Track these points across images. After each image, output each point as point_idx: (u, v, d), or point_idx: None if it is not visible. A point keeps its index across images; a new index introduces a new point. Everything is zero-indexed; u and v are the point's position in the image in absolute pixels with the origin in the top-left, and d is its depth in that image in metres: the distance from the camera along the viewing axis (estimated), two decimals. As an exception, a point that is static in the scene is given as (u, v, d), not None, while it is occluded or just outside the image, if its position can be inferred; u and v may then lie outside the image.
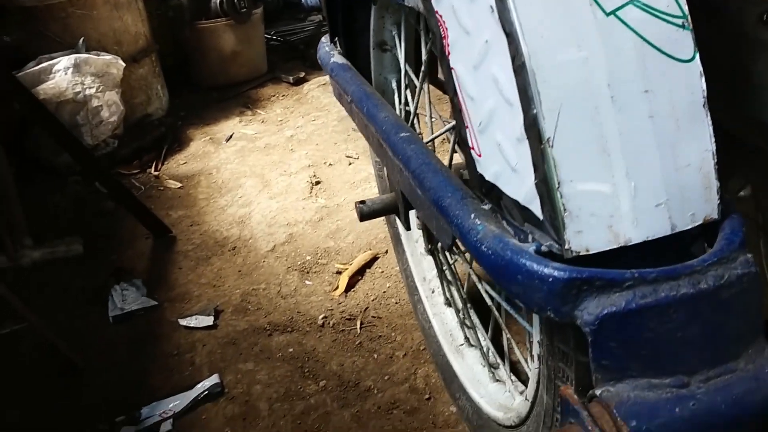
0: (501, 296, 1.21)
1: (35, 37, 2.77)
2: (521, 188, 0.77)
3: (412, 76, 1.39)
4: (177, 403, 1.63)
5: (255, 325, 1.86)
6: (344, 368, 1.68)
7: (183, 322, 1.89)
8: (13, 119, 2.56)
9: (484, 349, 1.41)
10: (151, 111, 3.11)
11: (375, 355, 1.71)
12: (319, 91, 3.39)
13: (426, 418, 1.52)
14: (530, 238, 0.79)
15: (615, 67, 0.73)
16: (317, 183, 2.55)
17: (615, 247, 0.74)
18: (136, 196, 2.30)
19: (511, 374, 1.35)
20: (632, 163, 0.73)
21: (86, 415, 1.63)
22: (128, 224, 2.37)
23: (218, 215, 2.44)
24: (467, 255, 1.32)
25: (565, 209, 0.72)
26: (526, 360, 1.20)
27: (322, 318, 1.85)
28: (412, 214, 1.38)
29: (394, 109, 1.53)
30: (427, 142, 1.18)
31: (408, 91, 1.42)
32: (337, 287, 1.98)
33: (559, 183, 0.72)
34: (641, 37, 0.74)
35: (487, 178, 0.83)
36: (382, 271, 2.02)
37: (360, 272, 2.03)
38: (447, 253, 1.40)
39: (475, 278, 1.21)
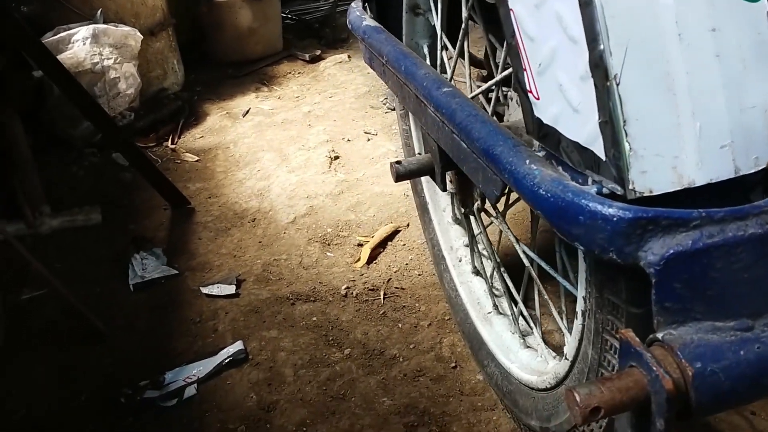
0: (538, 255, 1.20)
1: (53, 7, 2.75)
2: (583, 129, 0.76)
3: (447, 42, 1.37)
4: (201, 368, 1.62)
5: (277, 295, 1.85)
6: (369, 337, 1.67)
7: (205, 290, 1.88)
8: (29, 89, 2.54)
9: (515, 314, 1.40)
10: (167, 85, 3.09)
11: (399, 325, 1.70)
12: (335, 68, 3.37)
13: (452, 385, 1.51)
14: (590, 180, 0.78)
15: (682, 3, 0.71)
16: (336, 158, 2.53)
17: (678, 188, 0.72)
18: (156, 166, 2.28)
19: (543, 340, 1.34)
20: (698, 102, 0.72)
21: (110, 379, 1.62)
22: (146, 195, 2.36)
23: (237, 188, 2.43)
24: (504, 216, 1.31)
25: (630, 148, 0.71)
26: (562, 320, 1.19)
27: (345, 288, 1.84)
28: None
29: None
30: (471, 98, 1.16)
31: (445, 54, 1.40)
32: (358, 259, 1.97)
33: (625, 121, 0.70)
34: (710, -26, 0.72)
35: (545, 121, 0.82)
36: (404, 244, 2.01)
37: (381, 245, 2.02)
38: (481, 217, 1.39)
39: (512, 238, 1.20)
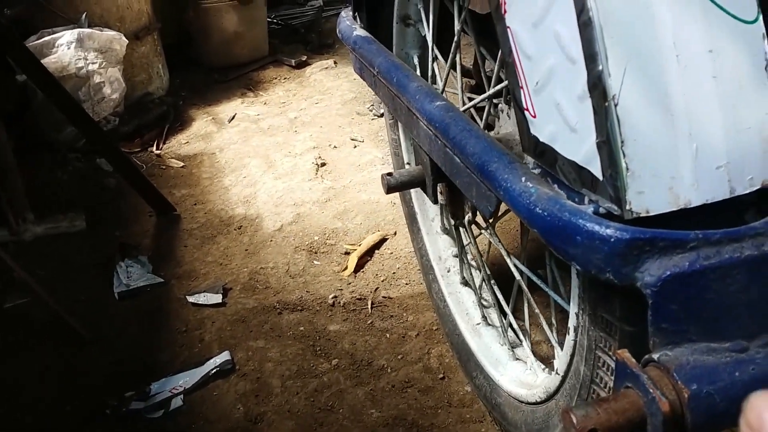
0: (529, 268, 1.20)
1: (37, 10, 2.72)
2: (580, 148, 0.76)
3: (438, 54, 1.37)
4: (187, 379, 1.60)
5: (264, 304, 1.83)
6: (356, 347, 1.66)
7: (191, 299, 1.86)
8: (12, 93, 2.51)
9: (504, 326, 1.40)
10: (152, 90, 3.06)
11: (387, 335, 1.69)
12: (321, 74, 3.36)
13: (441, 396, 1.51)
14: (586, 200, 0.78)
15: (680, 25, 0.71)
16: (323, 165, 2.52)
17: (675, 209, 0.73)
18: (141, 172, 2.26)
19: (532, 352, 1.34)
20: (695, 123, 0.72)
21: (95, 389, 1.60)
22: (131, 201, 2.33)
23: (222, 195, 2.41)
24: (494, 228, 1.31)
25: (627, 169, 0.71)
26: (552, 334, 1.20)
27: (332, 297, 1.84)
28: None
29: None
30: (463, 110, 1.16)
31: (436, 65, 1.40)
32: (346, 267, 1.96)
33: (623, 141, 0.71)
34: (707, -4, 0.72)
35: (542, 140, 0.82)
36: (391, 252, 2.01)
37: (369, 253, 2.01)
38: (470, 228, 1.38)
39: (503, 251, 1.20)
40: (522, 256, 1.28)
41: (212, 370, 1.61)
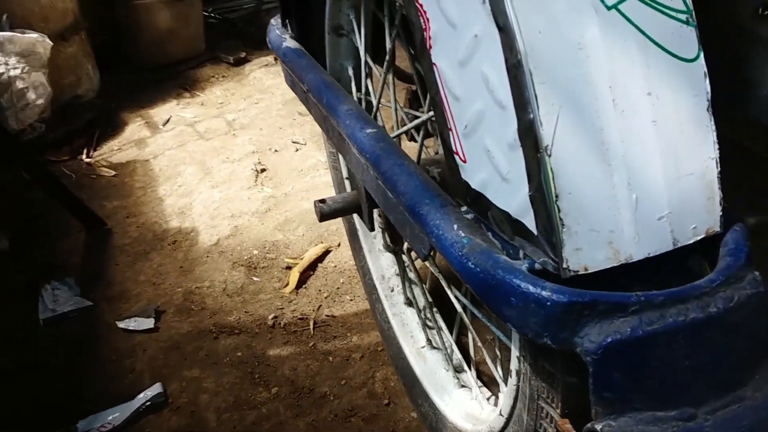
0: (470, 300, 1.15)
1: (-49, 12, 2.54)
2: (513, 199, 0.70)
3: (373, 65, 1.30)
4: (117, 415, 1.51)
5: (199, 327, 1.74)
6: (297, 373, 1.59)
7: (121, 324, 1.76)
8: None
9: (448, 351, 1.35)
10: (82, 92, 2.91)
11: (330, 358, 1.62)
12: (261, 72, 3.25)
13: (386, 425, 1.45)
14: (521, 253, 0.72)
15: (617, 67, 0.66)
16: (263, 171, 2.43)
17: (615, 264, 0.67)
18: (66, 185, 2.13)
19: (478, 380, 1.29)
20: (634, 172, 0.66)
21: (18, 428, 1.49)
22: (59, 216, 2.20)
23: (156, 206, 2.30)
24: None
25: (563, 224, 0.65)
26: (497, 369, 1.14)
27: (272, 318, 1.76)
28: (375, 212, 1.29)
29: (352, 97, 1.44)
30: (393, 137, 1.09)
31: (369, 81, 1.33)
32: (287, 284, 1.88)
33: (557, 195, 0.65)
34: (644, 33, 0.67)
35: (473, 186, 0.75)
36: (335, 266, 1.94)
37: (311, 267, 1.94)
38: (411, 254, 1.32)
39: (444, 282, 1.14)
40: (464, 286, 1.22)
41: (143, 404, 1.52)
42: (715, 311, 0.65)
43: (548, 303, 0.65)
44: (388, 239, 1.46)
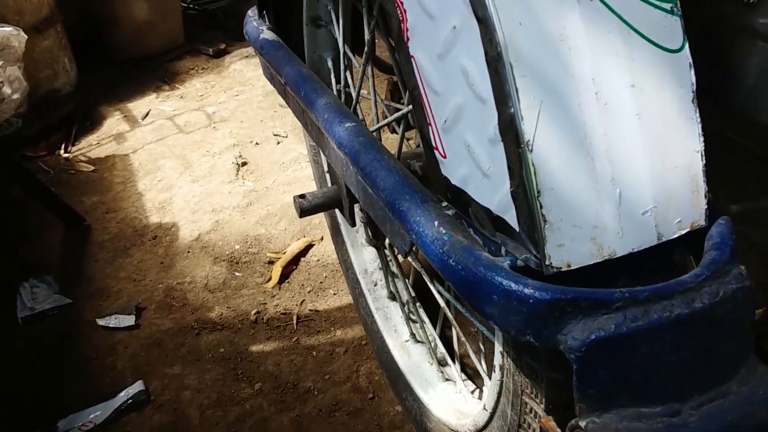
0: (452, 295, 1.13)
1: None
2: (494, 196, 0.68)
3: (352, 57, 1.28)
4: (98, 413, 1.49)
5: (181, 324, 1.72)
6: (281, 368, 1.57)
7: (101, 322, 1.73)
8: None
9: (432, 345, 1.34)
10: (58, 86, 2.85)
11: (314, 353, 1.61)
12: (241, 63, 3.21)
13: (371, 419, 1.44)
14: (503, 250, 0.70)
15: (600, 58, 0.64)
16: (244, 164, 2.40)
17: (599, 260, 0.66)
18: (43, 182, 2.10)
19: (462, 374, 1.28)
20: (618, 167, 0.65)
21: (-6, 431, 1.47)
22: (37, 213, 2.16)
23: (136, 201, 2.27)
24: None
25: (545, 221, 0.64)
26: (480, 363, 1.13)
27: (255, 313, 1.74)
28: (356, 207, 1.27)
29: (331, 89, 1.42)
30: (373, 131, 1.07)
31: (348, 73, 1.31)
32: (269, 279, 1.86)
33: (538, 192, 0.63)
34: (627, 23, 0.65)
35: (453, 182, 0.74)
36: (318, 260, 1.92)
37: (294, 261, 1.92)
38: (391, 249, 1.31)
39: (426, 277, 1.12)
40: (447, 282, 1.21)
41: (125, 402, 1.50)
42: (700, 307, 0.64)
43: (531, 300, 0.63)
44: (368, 235, 1.44)
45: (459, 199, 0.74)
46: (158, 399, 1.51)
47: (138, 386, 1.53)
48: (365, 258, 1.58)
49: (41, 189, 2.05)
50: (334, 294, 1.79)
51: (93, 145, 2.63)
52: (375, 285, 1.55)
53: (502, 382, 0.92)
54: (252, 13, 1.51)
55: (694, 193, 0.69)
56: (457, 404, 1.24)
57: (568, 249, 0.65)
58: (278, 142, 2.53)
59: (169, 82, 3.09)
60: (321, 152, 1.58)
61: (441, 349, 1.30)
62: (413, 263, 1.19)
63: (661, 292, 0.64)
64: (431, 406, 1.28)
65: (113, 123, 2.78)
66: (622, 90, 0.65)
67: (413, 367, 1.39)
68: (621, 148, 0.65)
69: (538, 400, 0.83)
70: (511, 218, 0.67)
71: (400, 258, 1.47)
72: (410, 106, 1.06)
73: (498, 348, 0.91)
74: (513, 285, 0.65)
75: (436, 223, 0.75)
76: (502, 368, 0.92)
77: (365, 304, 1.55)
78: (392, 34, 0.77)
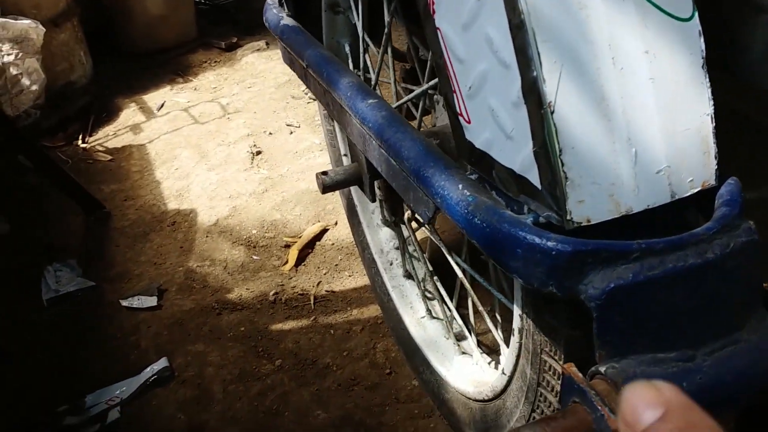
0: (470, 266, 1.18)
1: (-58, -1, 2.54)
2: (517, 156, 0.73)
3: (370, 42, 1.32)
4: (124, 389, 1.54)
5: (202, 304, 1.77)
6: (300, 346, 1.62)
7: (125, 302, 1.79)
8: None
9: (448, 319, 1.38)
10: (75, 79, 2.91)
11: (331, 331, 1.65)
12: (253, 56, 3.26)
13: (388, 393, 1.49)
14: (525, 208, 0.75)
15: (616, 26, 0.68)
16: (258, 153, 2.45)
17: (616, 216, 0.70)
18: (64, 170, 2.15)
19: (479, 347, 1.32)
20: (634, 128, 0.69)
21: (24, 406, 1.52)
22: (57, 200, 2.22)
23: (154, 189, 2.32)
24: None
25: (566, 178, 0.68)
26: (497, 331, 1.18)
27: (273, 294, 1.78)
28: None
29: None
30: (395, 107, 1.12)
31: (367, 57, 1.35)
32: (286, 261, 1.91)
33: (560, 150, 0.67)
34: (641, -7, 0.70)
35: (477, 146, 0.78)
36: (333, 243, 1.96)
37: (310, 245, 1.96)
38: (411, 224, 1.35)
39: (444, 249, 1.17)
40: (464, 250, 1.25)
41: (150, 378, 1.55)
42: (712, 257, 0.68)
43: (553, 252, 0.67)
44: (387, 212, 1.48)
45: (482, 162, 0.78)
46: (182, 375, 1.56)
47: (162, 363, 1.58)
48: (381, 238, 1.62)
49: (63, 176, 2.11)
50: (350, 275, 1.84)
51: (110, 136, 2.68)
52: (391, 264, 1.59)
53: (520, 344, 0.97)
54: (271, 1, 1.55)
55: (705, 154, 0.73)
56: (474, 375, 1.29)
57: (588, 205, 0.69)
58: (291, 132, 2.58)
59: (182, 75, 3.14)
60: (339, 135, 1.63)
61: (458, 322, 1.34)
62: (431, 236, 1.23)
63: (676, 244, 0.68)
64: (449, 378, 1.33)
65: (129, 114, 2.83)
66: (636, 55, 0.69)
67: (430, 342, 1.44)
68: (636, 110, 0.69)
69: (556, 358, 0.87)
70: (534, 177, 0.71)
71: (418, 235, 1.51)
72: (428, 84, 1.11)
73: (516, 311, 0.96)
74: (536, 239, 0.69)
75: (460, 186, 0.80)
76: (520, 330, 0.96)
77: (381, 283, 1.59)
78: (418, 8, 0.81)
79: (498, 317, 1.24)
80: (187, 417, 1.46)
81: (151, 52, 3.28)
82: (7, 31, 2.46)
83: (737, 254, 0.69)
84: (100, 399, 1.52)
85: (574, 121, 0.68)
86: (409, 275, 1.54)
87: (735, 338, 0.71)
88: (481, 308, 1.16)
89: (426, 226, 1.27)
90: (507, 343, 1.05)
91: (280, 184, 2.26)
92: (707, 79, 0.72)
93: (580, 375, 0.71)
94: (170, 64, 3.24)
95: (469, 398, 1.23)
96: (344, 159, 1.64)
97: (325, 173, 1.25)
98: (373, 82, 1.31)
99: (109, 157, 2.53)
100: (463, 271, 1.19)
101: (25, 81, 2.53)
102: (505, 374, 1.05)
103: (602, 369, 0.69)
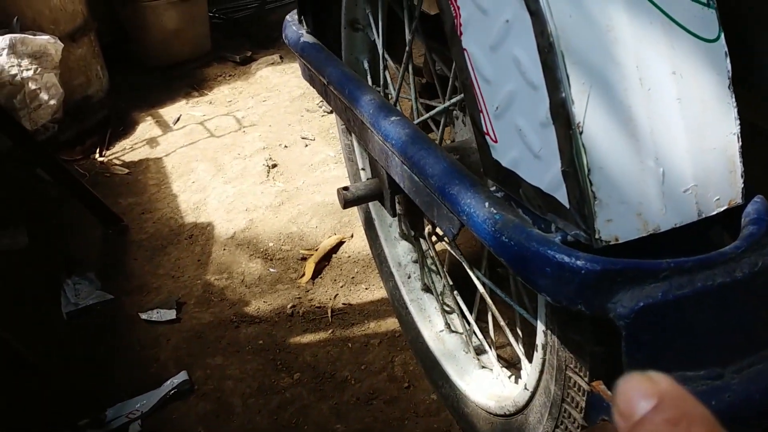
0: (490, 280, 1.18)
1: (-38, 15, 2.58)
2: (545, 175, 0.73)
3: (389, 60, 1.34)
4: (144, 402, 1.55)
5: (220, 317, 1.78)
6: (318, 359, 1.63)
7: (144, 316, 1.80)
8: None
9: (468, 333, 1.39)
10: (92, 93, 2.94)
11: (349, 344, 1.66)
12: (267, 70, 3.28)
13: (407, 407, 1.49)
14: (553, 227, 0.76)
15: (643, 47, 0.69)
16: (274, 166, 2.46)
17: (644, 235, 0.71)
18: (83, 182, 2.17)
19: (499, 361, 1.33)
20: (661, 147, 0.70)
21: (46, 419, 1.53)
22: (76, 213, 2.24)
23: (171, 202, 2.34)
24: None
25: (595, 197, 0.69)
26: (519, 346, 1.18)
27: (291, 307, 1.80)
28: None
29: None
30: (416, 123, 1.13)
31: (387, 74, 1.37)
32: (303, 274, 1.92)
33: (589, 170, 0.68)
34: (668, 16, 0.70)
35: (504, 165, 0.79)
36: (349, 256, 1.97)
37: (326, 258, 1.97)
38: (431, 238, 1.36)
39: (466, 265, 1.17)
40: (483, 264, 1.26)
41: (170, 391, 1.56)
42: (741, 276, 0.69)
43: (583, 271, 0.68)
44: (406, 226, 1.49)
45: (509, 180, 0.79)
46: (202, 388, 1.57)
47: (182, 376, 1.59)
48: (399, 252, 1.63)
49: (81, 190, 2.13)
50: (366, 288, 1.85)
51: (127, 149, 2.70)
52: (409, 277, 1.60)
53: (544, 360, 0.97)
54: (290, 18, 1.57)
55: (731, 172, 0.74)
56: (494, 389, 1.29)
57: (616, 224, 0.70)
58: (306, 145, 2.60)
59: (197, 89, 3.17)
60: (357, 150, 1.64)
61: (478, 336, 1.35)
62: (452, 251, 1.24)
63: (704, 263, 0.68)
64: (468, 392, 1.33)
65: (146, 128, 2.86)
66: (663, 76, 0.70)
67: (449, 355, 1.44)
68: (663, 130, 0.70)
69: (582, 374, 0.88)
70: (562, 196, 0.72)
71: (436, 248, 1.52)
72: (450, 102, 1.12)
73: (540, 327, 0.96)
74: (566, 258, 0.70)
75: (486, 204, 0.81)
76: (544, 346, 0.97)
77: (399, 297, 1.60)
78: (444, 28, 0.82)
79: (519, 331, 1.24)
80: (207, 430, 1.47)
81: (166, 65, 3.31)
82: (26, 46, 2.49)
83: (765, 273, 0.70)
84: (120, 412, 1.53)
85: (603, 141, 0.69)
86: (427, 289, 1.55)
87: (763, 355, 0.71)
88: (502, 323, 1.16)
89: (449, 242, 1.27)
90: (529, 357, 1.06)
91: (296, 196, 2.27)
92: (733, 99, 0.73)
93: (609, 393, 0.71)
94: (185, 77, 3.27)
95: (491, 413, 1.23)
96: (362, 173, 1.65)
97: (346, 188, 1.26)
98: (393, 99, 1.32)
99: (127, 171, 2.55)
100: (484, 285, 1.19)
101: (44, 95, 2.56)
102: (527, 390, 1.06)
103: (631, 387, 0.69)
